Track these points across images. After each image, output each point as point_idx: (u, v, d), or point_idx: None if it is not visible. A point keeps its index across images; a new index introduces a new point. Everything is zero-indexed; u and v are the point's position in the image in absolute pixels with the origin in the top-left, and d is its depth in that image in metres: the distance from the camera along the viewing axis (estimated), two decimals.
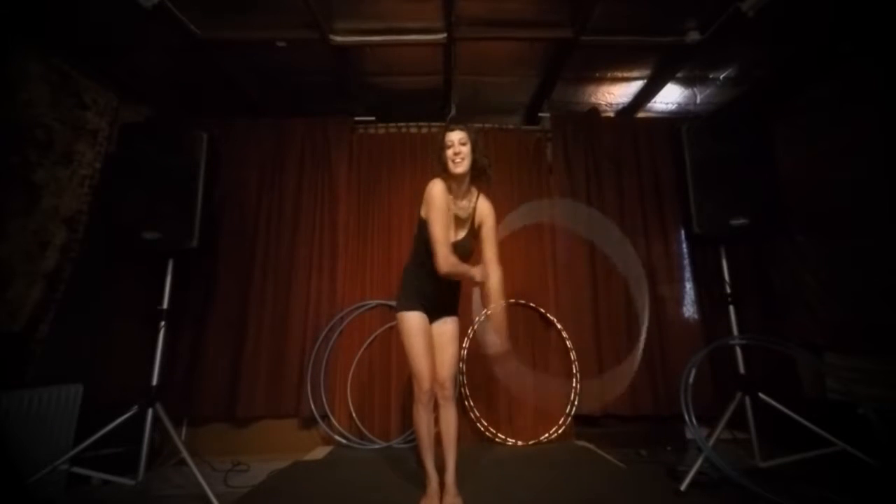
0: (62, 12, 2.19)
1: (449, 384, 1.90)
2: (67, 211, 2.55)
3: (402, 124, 3.34)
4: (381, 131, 3.36)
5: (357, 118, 3.33)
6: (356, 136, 3.33)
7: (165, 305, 2.37)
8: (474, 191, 1.94)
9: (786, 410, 2.21)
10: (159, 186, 2.36)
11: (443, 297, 1.94)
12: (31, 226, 2.36)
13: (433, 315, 1.93)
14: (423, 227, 1.87)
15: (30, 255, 2.36)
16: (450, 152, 1.81)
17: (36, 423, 2.11)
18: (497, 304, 1.88)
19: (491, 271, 1.88)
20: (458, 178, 1.85)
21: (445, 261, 1.75)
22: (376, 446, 2.73)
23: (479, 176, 1.90)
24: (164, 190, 2.36)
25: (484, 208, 1.94)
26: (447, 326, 1.96)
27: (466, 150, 1.82)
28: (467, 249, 1.91)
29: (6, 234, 2.24)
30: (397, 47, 2.62)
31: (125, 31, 2.37)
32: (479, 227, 1.94)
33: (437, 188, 1.80)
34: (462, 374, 2.84)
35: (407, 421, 2.82)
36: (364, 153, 3.29)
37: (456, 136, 1.83)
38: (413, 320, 1.85)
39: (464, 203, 1.90)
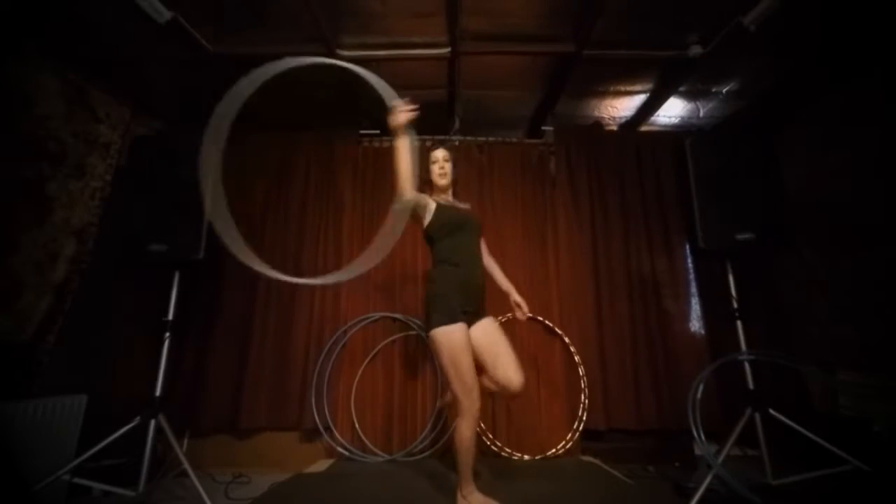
0: (78, 27, 2.26)
1: (519, 380, 1.89)
2: (78, 223, 2.59)
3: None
4: (386, 144, 3.39)
5: (362, 131, 3.37)
6: (361, 150, 3.36)
7: (171, 317, 2.38)
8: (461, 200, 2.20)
9: (797, 427, 2.16)
10: (167, 199, 2.39)
11: (480, 293, 1.99)
12: (42, 238, 2.40)
13: (473, 319, 1.94)
14: (432, 235, 2.02)
15: (40, 266, 2.39)
16: (435, 168, 2.08)
17: (40, 432, 2.12)
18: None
19: (491, 259, 2.20)
20: (443, 189, 2.10)
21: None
22: (379, 459, 2.70)
23: (454, 187, 2.16)
24: (172, 202, 2.39)
25: (475, 209, 2.21)
26: (492, 326, 1.98)
27: (449, 166, 2.10)
28: (475, 219, 2.09)
29: (18, 246, 2.28)
30: (402, 62, 2.66)
31: (139, 46, 2.43)
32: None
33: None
34: None
35: (409, 434, 2.80)
36: (369, 166, 3.33)
37: (441, 154, 2.10)
38: (458, 335, 1.81)
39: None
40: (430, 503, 1.99)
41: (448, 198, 2.12)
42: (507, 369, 1.88)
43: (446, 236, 1.99)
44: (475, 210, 2.20)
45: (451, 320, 1.81)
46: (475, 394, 1.79)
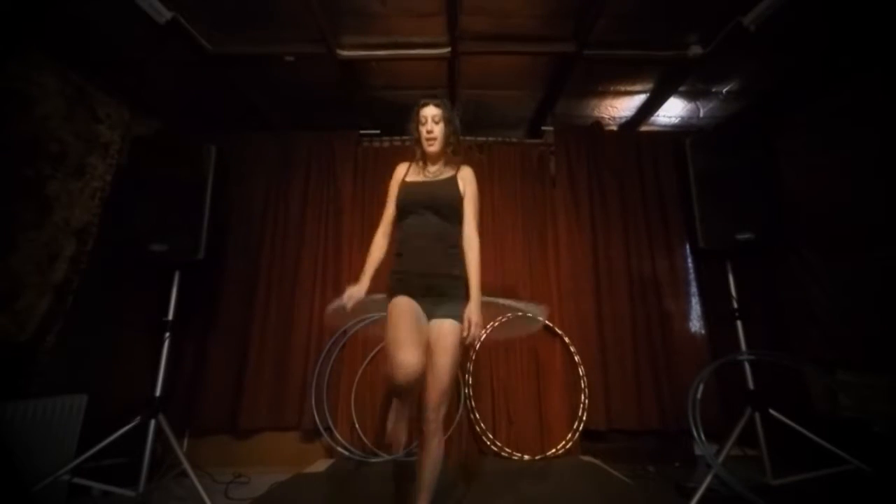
0: (78, 27, 2.26)
1: (433, 406, 1.51)
2: (78, 223, 2.59)
3: (406, 137, 3.31)
4: (386, 144, 3.40)
5: (362, 131, 3.37)
6: (361, 150, 3.36)
7: (171, 317, 2.38)
8: (454, 166, 1.80)
9: (797, 427, 2.16)
10: (168, 199, 2.40)
11: (432, 278, 1.64)
12: (42, 238, 2.40)
13: (428, 309, 1.64)
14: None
15: (40, 266, 2.39)
16: (423, 130, 1.74)
17: (40, 432, 2.12)
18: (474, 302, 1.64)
19: (467, 245, 1.71)
20: (433, 157, 1.77)
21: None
22: (379, 459, 2.70)
23: (454, 153, 1.79)
24: (172, 202, 2.40)
25: (467, 175, 1.78)
26: (444, 330, 1.59)
27: (439, 129, 1.73)
28: (445, 192, 1.72)
29: (18, 246, 2.28)
30: (402, 62, 2.66)
31: (139, 46, 2.43)
32: (465, 188, 1.76)
33: (395, 172, 1.84)
34: (468, 385, 2.82)
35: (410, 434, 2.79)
36: (369, 166, 3.33)
37: (430, 113, 1.72)
38: (396, 302, 1.62)
39: (439, 170, 1.81)
40: None
41: (434, 167, 1.79)
42: (433, 383, 1.53)
43: (401, 220, 1.73)
44: (464, 179, 1.77)
45: (393, 295, 1.65)
46: (398, 369, 1.42)
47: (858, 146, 2.57)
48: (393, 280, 1.70)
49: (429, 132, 1.72)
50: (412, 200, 1.71)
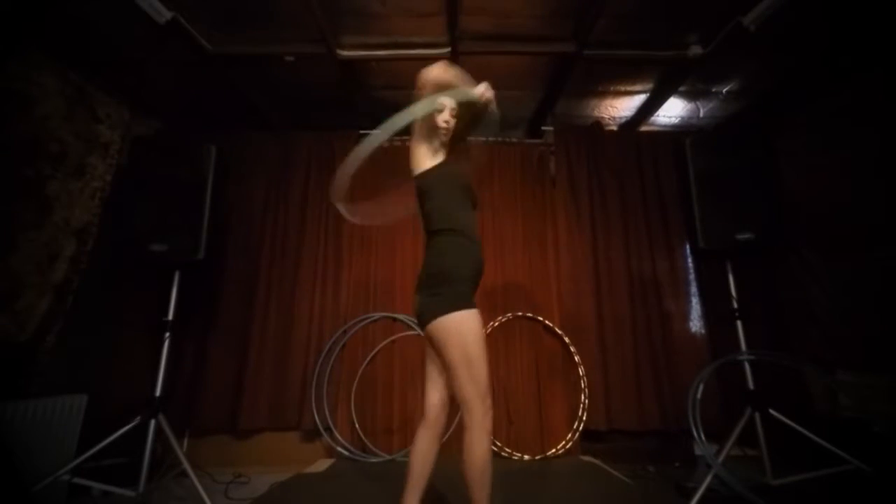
0: (78, 27, 2.26)
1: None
2: (78, 223, 2.59)
3: (405, 137, 3.32)
4: (386, 144, 3.39)
5: (362, 131, 3.37)
6: None
7: (171, 317, 2.38)
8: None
9: (797, 427, 2.16)
10: (168, 199, 2.40)
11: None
12: (42, 238, 2.40)
13: None
14: (433, 188, 1.62)
15: (40, 266, 2.39)
16: (440, 118, 1.65)
17: (40, 432, 2.12)
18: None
19: None
20: (440, 149, 1.73)
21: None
22: (379, 459, 2.70)
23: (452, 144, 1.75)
24: (172, 202, 2.39)
25: None
26: None
27: (453, 121, 1.69)
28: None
29: (18, 246, 2.28)
30: (402, 62, 2.66)
31: (139, 46, 2.43)
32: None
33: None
34: None
35: (409, 434, 2.79)
36: (369, 166, 3.31)
37: (450, 102, 1.67)
38: (479, 321, 1.45)
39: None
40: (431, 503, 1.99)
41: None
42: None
43: (457, 199, 1.59)
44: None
45: (470, 303, 1.44)
46: (488, 395, 1.42)
47: (858, 146, 2.57)
48: (463, 280, 1.50)
49: (445, 122, 1.66)
50: (467, 185, 1.66)
